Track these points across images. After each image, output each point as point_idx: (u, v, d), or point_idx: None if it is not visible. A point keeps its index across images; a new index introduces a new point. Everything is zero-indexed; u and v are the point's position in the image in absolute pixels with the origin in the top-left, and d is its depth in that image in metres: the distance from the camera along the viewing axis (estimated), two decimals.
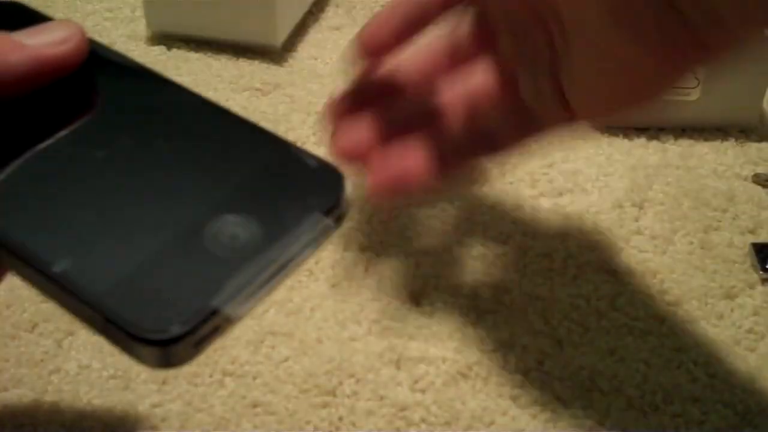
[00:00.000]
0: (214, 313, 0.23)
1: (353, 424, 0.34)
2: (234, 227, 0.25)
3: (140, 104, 0.30)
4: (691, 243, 0.45)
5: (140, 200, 0.26)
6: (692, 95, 0.52)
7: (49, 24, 0.30)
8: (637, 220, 0.46)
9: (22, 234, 0.25)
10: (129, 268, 0.24)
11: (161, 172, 0.27)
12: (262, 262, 0.24)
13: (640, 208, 0.47)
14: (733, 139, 0.52)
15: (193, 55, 0.58)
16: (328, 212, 0.26)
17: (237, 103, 0.53)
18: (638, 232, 0.46)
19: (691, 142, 0.52)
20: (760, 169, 0.50)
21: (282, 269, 0.25)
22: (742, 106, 0.53)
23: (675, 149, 0.52)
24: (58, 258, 0.24)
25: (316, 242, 0.26)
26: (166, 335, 0.23)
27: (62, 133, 0.29)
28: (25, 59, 0.28)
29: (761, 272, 0.43)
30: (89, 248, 0.25)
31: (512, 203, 0.47)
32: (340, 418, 0.34)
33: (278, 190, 0.27)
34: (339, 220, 0.27)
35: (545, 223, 0.46)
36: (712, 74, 0.51)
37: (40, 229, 0.25)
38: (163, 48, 0.58)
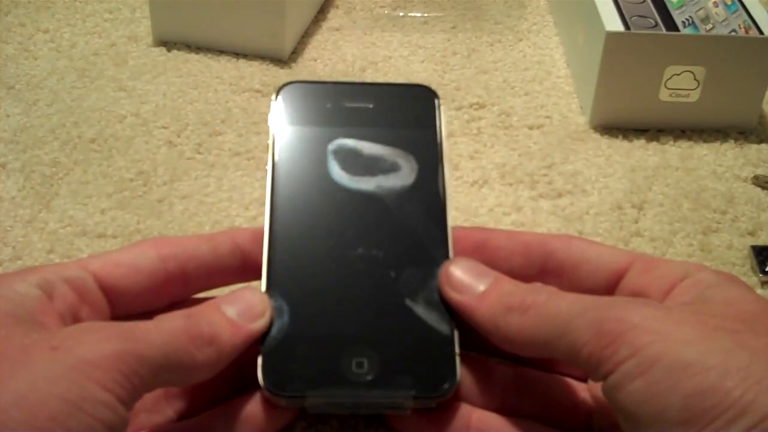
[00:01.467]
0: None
1: (353, 429, 0.34)
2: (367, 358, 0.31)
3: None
4: (691, 245, 0.45)
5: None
6: (692, 97, 0.52)
7: (244, 293, 0.31)
8: (636, 221, 0.46)
9: None
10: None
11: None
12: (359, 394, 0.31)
13: (640, 209, 0.47)
14: (733, 141, 0.53)
15: (193, 57, 0.58)
16: (417, 398, 0.30)
17: (237, 104, 0.53)
18: (638, 234, 0.46)
19: (691, 143, 0.52)
20: (759, 171, 0.50)
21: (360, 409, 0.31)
22: (742, 108, 0.53)
23: (674, 151, 0.52)
24: None
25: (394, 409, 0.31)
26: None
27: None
28: (240, 341, 0.30)
29: (761, 275, 0.43)
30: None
31: (512, 205, 0.47)
32: (342, 421, 0.34)
33: (414, 351, 0.31)
34: (419, 405, 0.31)
35: (544, 224, 0.46)
36: (711, 76, 0.51)
37: None
38: (163, 49, 0.58)
